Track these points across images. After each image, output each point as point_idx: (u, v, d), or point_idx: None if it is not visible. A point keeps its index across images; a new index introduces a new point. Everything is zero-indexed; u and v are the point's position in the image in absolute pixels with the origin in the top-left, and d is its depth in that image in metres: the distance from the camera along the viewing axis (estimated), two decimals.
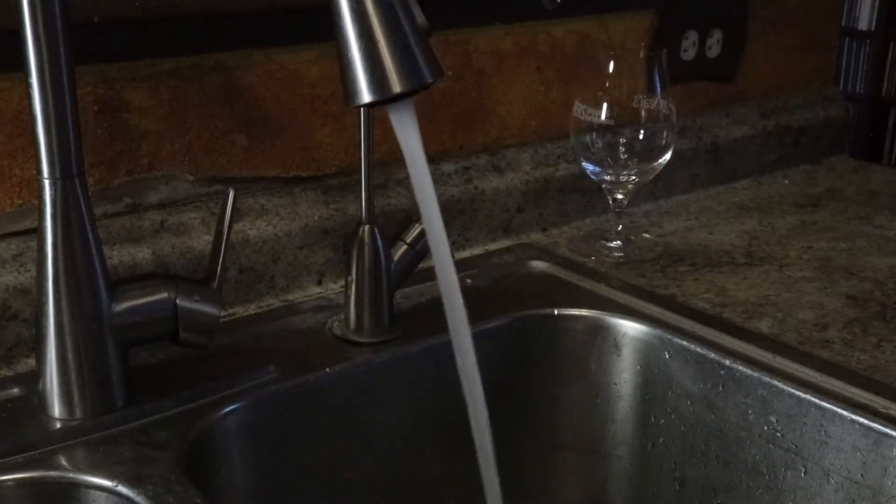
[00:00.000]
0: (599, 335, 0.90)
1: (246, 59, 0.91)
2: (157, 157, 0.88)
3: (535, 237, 1.12)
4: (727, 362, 0.82)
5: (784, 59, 1.39)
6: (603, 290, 0.96)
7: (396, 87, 0.53)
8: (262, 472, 0.79)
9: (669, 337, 0.86)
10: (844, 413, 0.75)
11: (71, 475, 0.67)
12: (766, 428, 0.80)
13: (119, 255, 0.84)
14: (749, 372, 0.81)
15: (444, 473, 0.88)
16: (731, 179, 1.31)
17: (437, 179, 1.04)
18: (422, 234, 0.85)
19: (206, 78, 0.89)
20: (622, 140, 1.00)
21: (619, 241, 1.06)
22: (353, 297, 0.84)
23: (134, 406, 0.73)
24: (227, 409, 0.75)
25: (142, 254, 0.85)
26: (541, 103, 1.14)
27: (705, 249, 1.08)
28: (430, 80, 0.54)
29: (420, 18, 0.56)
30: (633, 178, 1.01)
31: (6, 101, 0.80)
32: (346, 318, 0.86)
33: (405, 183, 1.00)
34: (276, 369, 0.79)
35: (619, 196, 1.03)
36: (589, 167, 1.02)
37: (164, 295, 0.73)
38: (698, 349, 0.84)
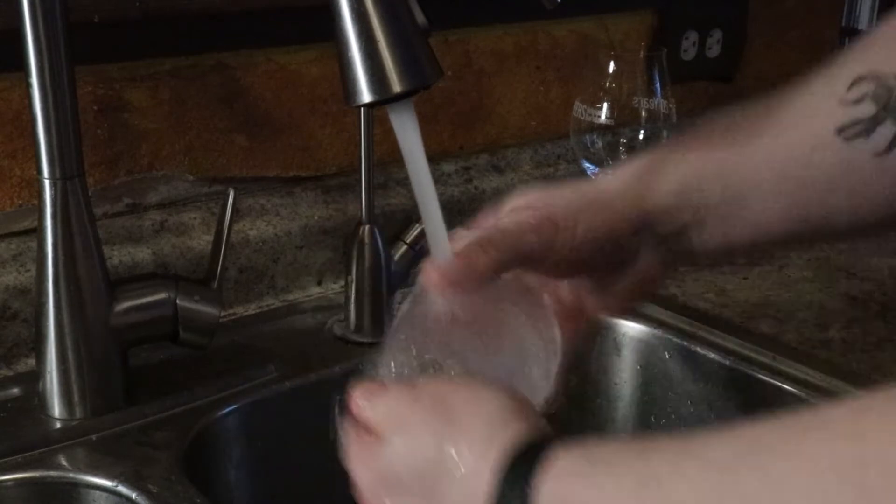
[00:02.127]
0: (599, 335, 0.90)
1: (246, 59, 0.91)
2: (157, 157, 0.88)
3: None
4: (727, 362, 0.82)
5: (784, 59, 1.39)
6: None
7: (396, 87, 0.53)
8: (262, 472, 0.79)
9: (669, 337, 0.86)
10: None
11: (71, 475, 0.67)
12: None
13: (119, 255, 0.84)
14: (749, 372, 0.81)
15: None
16: None
17: (437, 179, 1.04)
18: (422, 234, 0.85)
19: (206, 78, 0.89)
20: (622, 140, 1.00)
21: None
22: (353, 297, 0.84)
23: (134, 406, 0.73)
24: (227, 409, 0.75)
25: (142, 254, 0.85)
26: (541, 103, 1.13)
27: None
28: (430, 81, 0.54)
29: (420, 18, 0.56)
30: None
31: (6, 101, 0.80)
32: (346, 318, 0.86)
33: (405, 183, 1.00)
34: (276, 369, 0.79)
35: None
36: (589, 167, 1.02)
37: (164, 295, 0.73)
38: (698, 349, 0.84)
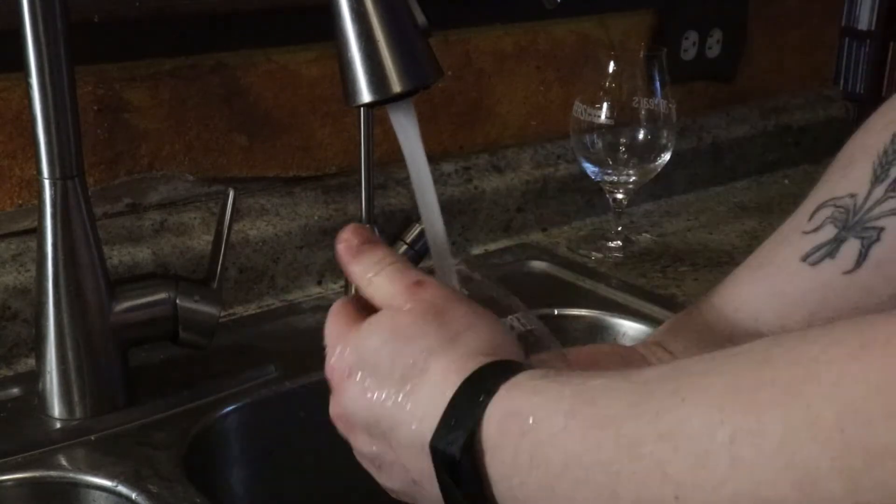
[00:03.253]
0: (599, 335, 0.90)
1: (246, 59, 0.91)
2: (157, 157, 0.88)
3: (535, 237, 1.11)
4: None
5: (784, 59, 1.39)
6: (603, 290, 0.95)
7: (396, 87, 0.53)
8: (261, 472, 0.79)
9: None
10: None
11: (71, 475, 0.67)
12: None
13: (119, 255, 0.84)
14: None
15: None
16: (732, 179, 1.31)
17: (437, 179, 1.04)
18: (422, 234, 0.85)
19: (206, 78, 0.89)
20: (622, 140, 1.00)
21: (619, 241, 1.06)
22: None
23: (134, 406, 0.73)
24: (227, 409, 0.75)
25: (142, 254, 0.85)
26: (541, 103, 1.13)
27: (705, 249, 1.08)
28: (430, 81, 0.54)
29: (420, 18, 0.56)
30: (633, 178, 1.01)
31: (6, 101, 0.80)
32: None
33: (405, 183, 1.00)
34: (276, 369, 0.79)
35: (620, 196, 1.03)
36: (589, 167, 1.02)
37: (164, 295, 0.73)
38: None
